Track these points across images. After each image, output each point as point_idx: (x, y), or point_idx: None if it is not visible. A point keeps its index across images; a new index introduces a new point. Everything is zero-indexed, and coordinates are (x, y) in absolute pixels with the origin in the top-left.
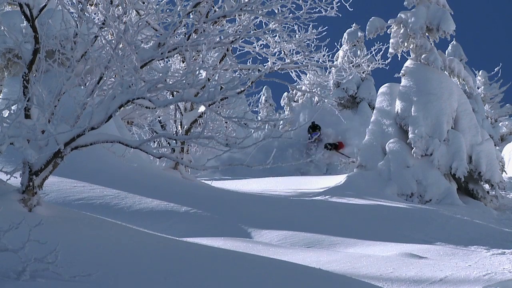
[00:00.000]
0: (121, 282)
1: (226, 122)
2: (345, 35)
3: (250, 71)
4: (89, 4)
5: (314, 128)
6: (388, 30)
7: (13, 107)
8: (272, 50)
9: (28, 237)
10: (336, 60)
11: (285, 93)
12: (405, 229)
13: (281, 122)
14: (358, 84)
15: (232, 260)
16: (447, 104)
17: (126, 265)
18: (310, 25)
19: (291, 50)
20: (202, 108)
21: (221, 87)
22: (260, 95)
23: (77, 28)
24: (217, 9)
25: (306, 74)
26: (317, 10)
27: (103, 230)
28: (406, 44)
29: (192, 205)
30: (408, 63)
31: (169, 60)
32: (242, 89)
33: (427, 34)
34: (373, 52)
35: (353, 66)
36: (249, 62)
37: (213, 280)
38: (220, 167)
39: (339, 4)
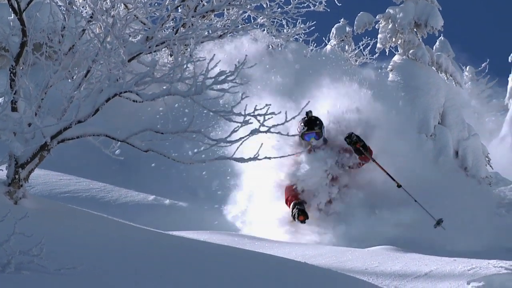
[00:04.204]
0: (107, 275)
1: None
2: (333, 30)
3: (239, 65)
4: None
5: (310, 123)
6: (376, 25)
7: None
8: (260, 44)
9: (14, 230)
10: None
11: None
12: None
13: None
14: None
15: (218, 254)
16: (435, 99)
17: (112, 258)
18: (299, 20)
19: (280, 44)
20: None
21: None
22: None
23: (65, 22)
24: (205, 3)
25: None
26: (305, 5)
27: (89, 223)
28: (394, 39)
29: (178, 198)
30: (396, 58)
31: (157, 54)
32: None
33: (415, 29)
34: (361, 47)
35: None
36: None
37: (198, 274)
38: (207, 161)
39: None
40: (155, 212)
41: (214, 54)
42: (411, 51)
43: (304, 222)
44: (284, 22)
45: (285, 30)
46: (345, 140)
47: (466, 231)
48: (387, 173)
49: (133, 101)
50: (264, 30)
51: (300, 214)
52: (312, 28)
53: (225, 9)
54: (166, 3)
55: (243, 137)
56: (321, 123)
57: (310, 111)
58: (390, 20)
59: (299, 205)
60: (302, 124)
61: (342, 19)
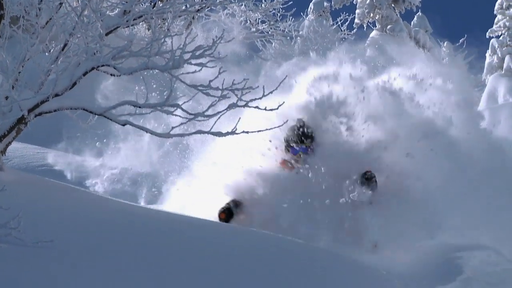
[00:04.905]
0: (85, 248)
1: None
2: (311, 5)
3: (216, 40)
4: None
5: (303, 135)
6: (354, 0)
7: None
8: (238, 19)
9: None
10: (302, 30)
11: (250, 62)
12: None
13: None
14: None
15: (188, 225)
16: None
17: (90, 231)
18: None
19: (257, 19)
20: None
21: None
22: None
23: None
24: None
25: (272, 44)
26: None
27: (66, 196)
28: (372, 14)
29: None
30: (373, 33)
31: (135, 28)
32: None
33: (393, 5)
34: (339, 23)
35: (318, 36)
36: (215, 31)
37: (176, 244)
38: (185, 135)
39: None
40: (130, 185)
41: (192, 28)
42: (389, 26)
43: (223, 221)
44: None
45: (263, 5)
46: (363, 174)
47: None
48: None
49: (111, 75)
50: (242, 4)
51: (225, 211)
52: (290, 3)
53: None
54: None
55: (220, 112)
56: (312, 137)
57: (302, 121)
58: None
59: (233, 202)
60: (294, 134)
61: None
